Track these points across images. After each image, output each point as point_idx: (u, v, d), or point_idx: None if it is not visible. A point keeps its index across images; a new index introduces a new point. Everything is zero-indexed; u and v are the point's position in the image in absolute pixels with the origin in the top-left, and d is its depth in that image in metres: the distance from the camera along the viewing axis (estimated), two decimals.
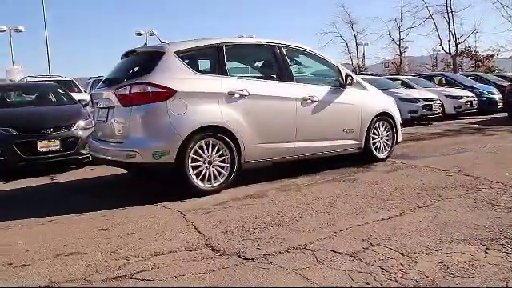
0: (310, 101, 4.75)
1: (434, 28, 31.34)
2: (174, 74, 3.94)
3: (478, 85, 14.19)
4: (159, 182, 4.81)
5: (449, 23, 28.79)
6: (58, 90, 7.15)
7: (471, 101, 12.52)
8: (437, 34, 31.49)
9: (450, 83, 14.42)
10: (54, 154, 5.77)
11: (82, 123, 6.15)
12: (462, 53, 31.74)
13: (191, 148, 3.90)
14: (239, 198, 3.93)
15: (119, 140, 3.98)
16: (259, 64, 4.77)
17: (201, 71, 4.11)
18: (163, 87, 3.80)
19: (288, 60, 4.73)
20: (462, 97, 12.41)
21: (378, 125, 5.53)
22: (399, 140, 5.90)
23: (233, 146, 4.14)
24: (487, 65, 31.23)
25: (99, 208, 3.75)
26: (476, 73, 19.56)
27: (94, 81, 12.58)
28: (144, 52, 4.27)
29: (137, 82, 3.82)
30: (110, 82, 4.29)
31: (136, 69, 4.18)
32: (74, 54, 66.41)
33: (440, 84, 14.65)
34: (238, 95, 4.19)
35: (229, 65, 4.27)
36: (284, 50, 4.75)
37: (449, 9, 28.34)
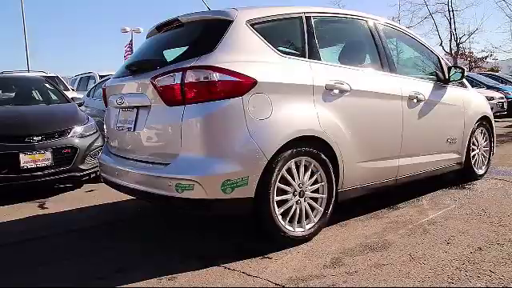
0: (415, 100, 3.40)
1: (433, 27, 30.50)
2: (249, 55, 2.49)
3: (500, 85, 13.24)
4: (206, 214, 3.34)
5: (450, 22, 27.88)
6: (46, 84, 5.48)
7: (502, 102, 11.52)
8: (436, 33, 30.69)
9: (470, 83, 13.38)
10: (44, 172, 4.19)
11: (79, 129, 4.59)
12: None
13: (278, 173, 2.46)
14: (353, 249, 2.51)
15: (160, 160, 2.49)
16: (353, 46, 3.37)
17: (285, 52, 2.68)
18: (238, 74, 2.35)
19: (387, 43, 3.36)
20: (492, 98, 11.34)
21: (477, 133, 4.26)
22: (494, 151, 4.65)
23: (330, 166, 2.73)
24: (481, 66, 30.90)
25: (132, 275, 2.27)
26: (490, 73, 18.75)
27: (81, 78, 10.82)
28: (195, 22, 2.75)
29: (194, 65, 2.34)
30: (138, 68, 2.78)
31: (185, 47, 2.70)
32: (55, 52, 63.54)
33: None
34: (337, 90, 2.78)
35: (319, 45, 2.85)
36: (381, 29, 3.38)
37: (450, 7, 27.40)
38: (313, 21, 2.87)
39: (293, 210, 2.57)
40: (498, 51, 29.80)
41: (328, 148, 2.71)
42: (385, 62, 3.26)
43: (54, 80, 8.72)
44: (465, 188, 3.97)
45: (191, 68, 2.32)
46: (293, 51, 2.72)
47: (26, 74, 6.18)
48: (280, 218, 2.51)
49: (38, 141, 4.23)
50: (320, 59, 2.81)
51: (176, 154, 2.36)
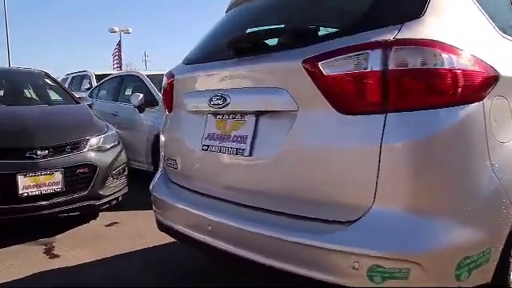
0: None
1: None
2: (465, 28, 1.44)
3: None
4: None
5: None
6: (46, 80, 4.23)
7: None
8: None
9: None
10: (50, 201, 2.98)
11: (96, 140, 3.39)
12: None
13: None
14: None
15: (323, 214, 1.33)
16: None
17: (502, 29, 1.63)
18: (477, 60, 1.30)
19: None
20: None
21: None
22: None
23: None
24: None
25: None
26: None
27: (74, 77, 9.39)
28: None
29: (405, 37, 1.23)
30: (256, 45, 1.60)
31: (337, 13, 1.61)
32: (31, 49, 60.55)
33: None
34: None
35: None
36: None
37: None
38: None
39: None
40: None
41: None
42: None
43: None
44: None
45: (398, 43, 1.24)
46: (508, 29, 1.68)
47: (19, 68, 4.90)
48: None
49: (44, 156, 3.02)
50: None
51: (366, 207, 1.26)
